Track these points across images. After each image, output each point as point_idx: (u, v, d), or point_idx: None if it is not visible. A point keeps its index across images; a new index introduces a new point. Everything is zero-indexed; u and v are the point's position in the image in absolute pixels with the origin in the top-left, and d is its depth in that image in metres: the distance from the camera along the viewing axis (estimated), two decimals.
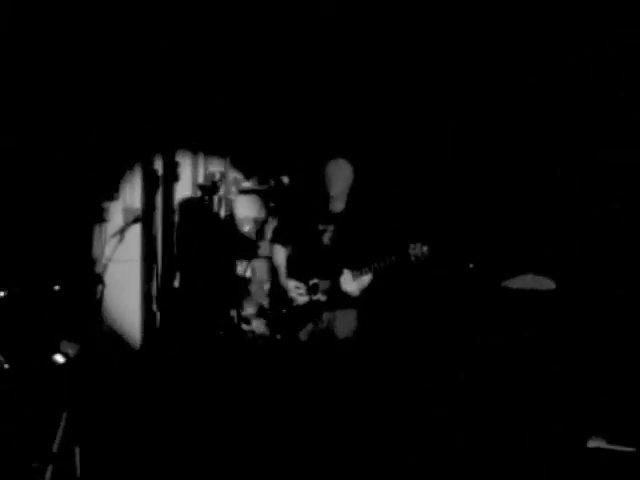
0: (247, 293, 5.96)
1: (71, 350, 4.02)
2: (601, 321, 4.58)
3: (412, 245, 4.13)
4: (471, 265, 4.89)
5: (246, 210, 6.07)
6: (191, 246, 6.02)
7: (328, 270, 4.38)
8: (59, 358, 3.97)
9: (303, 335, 4.51)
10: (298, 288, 4.47)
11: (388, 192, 5.35)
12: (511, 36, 5.21)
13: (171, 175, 5.94)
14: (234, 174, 6.27)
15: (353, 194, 4.49)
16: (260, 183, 6.08)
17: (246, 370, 5.26)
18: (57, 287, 4.70)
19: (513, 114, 5.30)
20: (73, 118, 5.48)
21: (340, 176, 4.40)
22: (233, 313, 5.85)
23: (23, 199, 5.26)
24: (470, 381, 4.75)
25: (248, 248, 6.06)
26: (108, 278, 5.69)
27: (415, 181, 5.53)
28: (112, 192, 5.81)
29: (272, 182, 5.99)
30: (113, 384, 5.48)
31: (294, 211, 4.76)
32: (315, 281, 4.43)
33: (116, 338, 5.98)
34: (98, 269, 5.69)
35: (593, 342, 4.56)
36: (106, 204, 5.82)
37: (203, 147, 6.32)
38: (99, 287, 5.53)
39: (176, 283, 6.10)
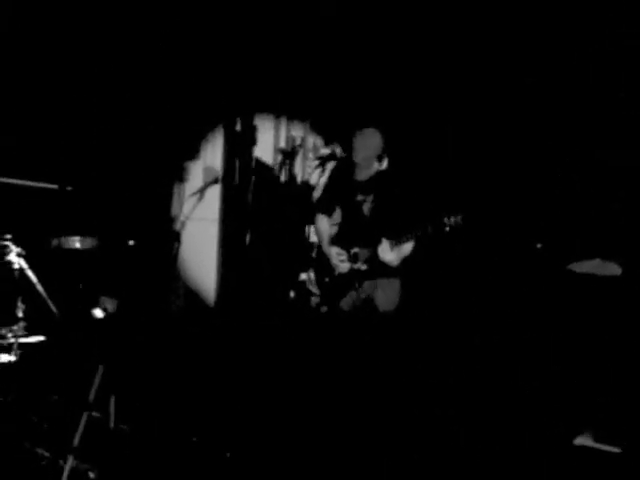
0: None
1: (110, 305, 4.12)
2: None
3: (447, 215, 4.11)
4: (539, 245, 4.78)
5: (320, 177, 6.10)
6: (265, 209, 6.08)
7: (368, 239, 4.36)
8: (98, 313, 4.07)
9: (345, 304, 4.51)
10: (340, 255, 4.47)
11: (426, 161, 5.30)
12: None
13: (249, 138, 5.98)
14: (314, 139, 6.29)
15: (389, 164, 4.47)
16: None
17: (300, 338, 5.30)
18: (131, 242, 4.83)
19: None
20: (159, 78, 5.61)
21: (365, 145, 4.36)
22: (304, 277, 5.92)
23: (107, 156, 5.44)
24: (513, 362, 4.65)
25: None
26: (186, 236, 5.93)
27: (467, 151, 5.46)
28: (193, 152, 5.93)
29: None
30: (187, 340, 5.67)
31: (334, 180, 4.75)
32: (356, 250, 4.43)
33: (192, 294, 6.14)
34: (176, 226, 5.85)
35: None
36: (187, 163, 5.97)
37: (286, 110, 6.34)
38: (175, 244, 5.70)
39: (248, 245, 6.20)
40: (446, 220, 4.09)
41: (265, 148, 6.40)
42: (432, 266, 5.02)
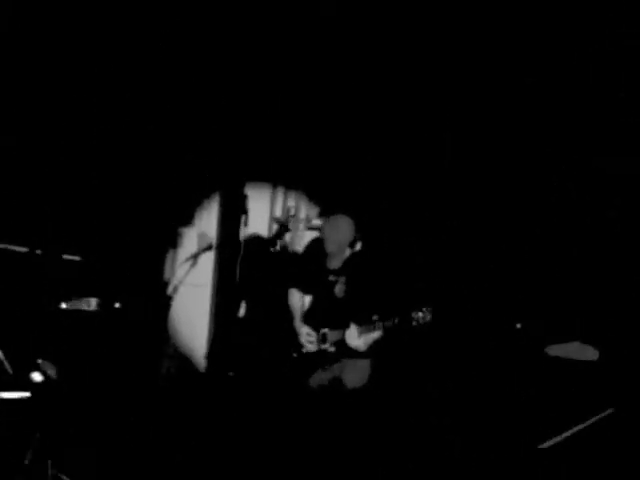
0: None
1: (50, 371, 4.15)
2: None
3: (415, 310, 4.12)
4: (519, 325, 4.80)
5: None
6: (256, 278, 6.16)
7: (338, 321, 4.38)
8: (36, 376, 4.10)
9: (313, 382, 4.53)
10: (309, 335, 4.49)
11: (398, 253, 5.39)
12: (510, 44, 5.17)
13: (240, 207, 6.09)
14: (308, 210, 6.37)
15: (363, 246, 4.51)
16: None
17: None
18: (117, 304, 4.91)
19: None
20: (155, 143, 5.74)
21: (336, 233, 4.39)
22: None
23: (101, 218, 5.55)
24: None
25: None
26: (179, 301, 6.00)
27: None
28: (187, 218, 6.05)
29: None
30: (178, 404, 5.68)
31: (309, 257, 4.78)
32: (325, 331, 4.45)
33: (182, 359, 6.17)
34: (168, 291, 5.93)
35: None
36: (181, 229, 6.08)
37: (282, 180, 6.47)
38: (166, 308, 5.78)
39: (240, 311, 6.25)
40: (414, 314, 4.10)
41: (262, 217, 6.53)
42: (403, 352, 5.05)
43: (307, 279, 4.65)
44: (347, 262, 4.43)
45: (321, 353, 4.47)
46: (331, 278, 4.48)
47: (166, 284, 5.93)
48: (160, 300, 5.81)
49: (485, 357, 5.13)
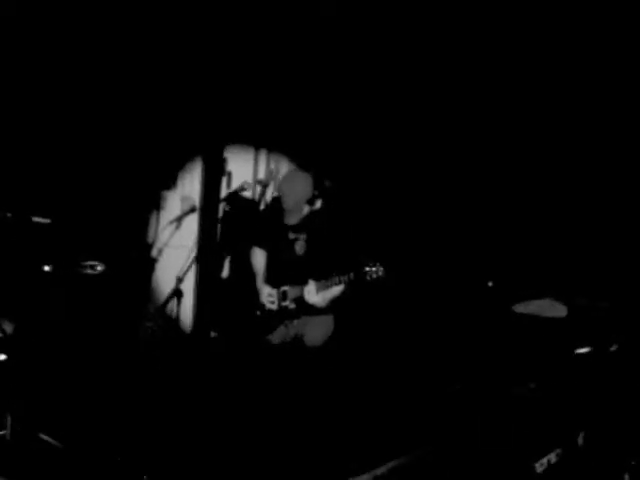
0: None
1: (8, 328, 4.21)
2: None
3: (368, 265, 4.17)
4: (490, 283, 4.86)
5: None
6: (239, 238, 6.21)
7: (298, 278, 4.46)
8: None
9: (274, 339, 4.62)
10: (270, 296, 4.56)
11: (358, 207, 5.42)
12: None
13: (220, 169, 6.11)
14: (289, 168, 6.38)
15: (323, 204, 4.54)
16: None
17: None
18: (100, 267, 4.95)
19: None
20: (138, 106, 5.76)
21: (294, 190, 4.42)
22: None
23: (84, 182, 5.59)
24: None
25: None
26: (163, 263, 6.06)
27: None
28: (171, 181, 6.09)
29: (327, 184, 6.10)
30: (163, 367, 5.77)
31: (268, 217, 4.81)
32: (285, 288, 4.51)
33: (168, 320, 6.25)
34: (152, 253, 5.99)
35: None
36: (164, 192, 6.12)
37: (265, 142, 6.49)
38: (149, 269, 5.84)
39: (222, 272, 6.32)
40: (367, 269, 4.16)
41: (246, 179, 6.55)
42: (363, 308, 5.11)
43: (268, 237, 4.69)
44: (306, 219, 4.48)
45: (282, 311, 4.55)
46: (291, 236, 4.54)
47: (150, 247, 6.00)
48: (144, 262, 5.87)
49: (455, 314, 5.21)
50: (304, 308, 4.47)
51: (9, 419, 4.09)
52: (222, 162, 5.92)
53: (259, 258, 4.76)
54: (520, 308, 4.44)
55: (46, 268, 4.78)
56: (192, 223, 6.03)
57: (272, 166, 6.46)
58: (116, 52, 5.50)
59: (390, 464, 4.14)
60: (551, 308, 4.38)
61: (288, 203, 4.43)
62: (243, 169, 6.48)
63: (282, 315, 4.54)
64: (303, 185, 4.45)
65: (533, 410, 4.13)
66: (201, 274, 6.23)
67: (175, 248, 5.92)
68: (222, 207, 5.93)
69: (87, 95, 5.60)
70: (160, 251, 5.92)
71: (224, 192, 6.25)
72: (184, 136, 5.98)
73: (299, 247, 4.52)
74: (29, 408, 4.37)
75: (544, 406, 4.12)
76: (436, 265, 5.37)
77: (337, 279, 4.28)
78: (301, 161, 6.26)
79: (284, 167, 6.38)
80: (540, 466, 3.82)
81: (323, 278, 4.33)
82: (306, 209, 4.48)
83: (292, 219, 4.49)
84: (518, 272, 4.98)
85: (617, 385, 4.09)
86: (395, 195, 5.71)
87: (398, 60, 5.61)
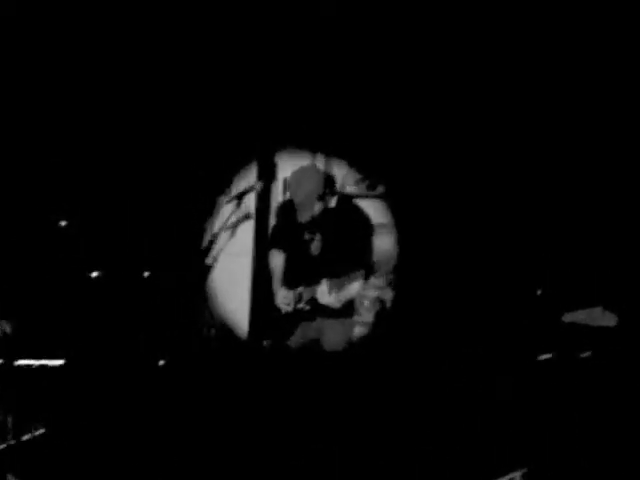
0: None
1: (7, 328, 4.17)
2: None
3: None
4: (539, 291, 4.66)
5: None
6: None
7: (313, 280, 4.30)
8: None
9: (292, 343, 4.48)
10: (285, 298, 4.41)
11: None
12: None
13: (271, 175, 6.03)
14: (343, 178, 6.25)
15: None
16: (368, 189, 6.05)
17: None
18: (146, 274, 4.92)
19: None
20: (193, 111, 5.73)
21: (303, 184, 4.26)
22: None
23: (138, 190, 5.58)
24: None
25: None
26: (219, 270, 6.00)
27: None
28: (226, 187, 6.02)
29: (380, 189, 5.95)
30: (218, 374, 5.72)
31: (282, 216, 4.65)
32: (300, 290, 4.36)
33: (223, 328, 6.20)
34: (208, 261, 5.94)
35: None
36: (219, 198, 6.06)
37: (321, 147, 6.37)
38: (205, 276, 5.79)
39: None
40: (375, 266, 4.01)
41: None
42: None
43: (284, 237, 4.55)
44: (320, 218, 4.32)
45: (297, 313, 4.40)
46: (307, 236, 4.39)
47: (205, 253, 5.95)
48: (198, 269, 5.83)
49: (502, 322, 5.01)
50: (318, 309, 4.32)
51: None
52: (274, 167, 5.84)
53: (276, 259, 4.62)
54: (569, 317, 4.24)
55: (94, 274, 4.76)
56: (247, 230, 6.01)
57: (330, 171, 6.35)
58: (170, 54, 5.49)
59: None
60: (601, 317, 4.16)
61: (298, 198, 4.30)
62: None
63: (297, 318, 4.40)
64: (312, 179, 4.31)
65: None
66: (255, 280, 6.18)
67: (230, 255, 5.87)
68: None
69: (142, 99, 5.61)
70: (215, 258, 5.86)
71: (280, 198, 6.24)
72: (239, 141, 5.93)
73: (314, 247, 4.38)
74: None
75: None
76: (483, 270, 5.18)
77: (350, 276, 4.13)
78: (360, 165, 6.18)
79: (343, 172, 6.27)
80: None
81: (336, 277, 4.19)
82: (318, 206, 4.34)
83: (303, 216, 4.34)
84: (567, 280, 4.77)
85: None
86: (445, 196, 5.55)
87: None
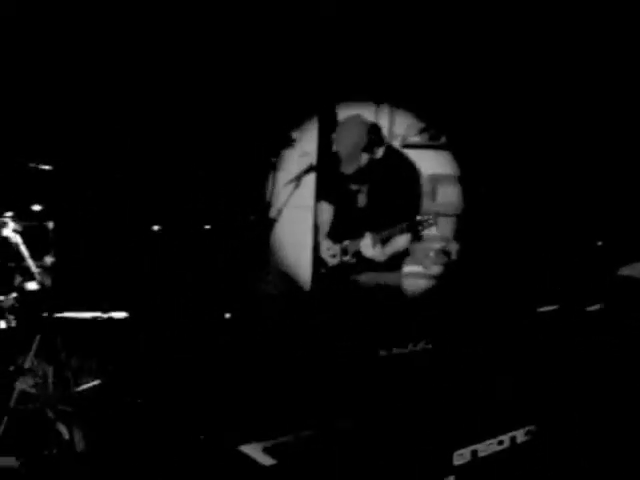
0: None
1: (47, 280, 4.19)
2: None
3: (419, 216, 3.85)
4: (599, 242, 4.49)
5: None
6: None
7: (358, 232, 4.17)
8: (31, 285, 4.17)
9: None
10: (330, 249, 4.30)
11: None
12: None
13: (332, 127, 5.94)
14: (406, 129, 6.13)
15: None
16: (431, 139, 5.92)
17: None
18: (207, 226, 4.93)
19: None
20: (254, 65, 5.68)
21: (346, 135, 4.10)
22: None
23: (202, 143, 5.59)
24: None
25: None
26: (282, 223, 6.01)
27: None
28: (288, 140, 5.98)
29: (443, 139, 5.82)
30: (282, 323, 5.76)
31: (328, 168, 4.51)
32: (346, 243, 4.25)
33: (287, 280, 6.23)
34: (272, 213, 5.94)
35: None
36: (282, 151, 6.03)
37: (388, 98, 6.25)
38: (269, 230, 5.81)
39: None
40: (419, 218, 3.85)
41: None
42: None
43: (331, 190, 4.42)
44: (366, 169, 4.20)
45: (343, 266, 4.31)
46: (353, 187, 4.28)
47: (269, 206, 5.96)
48: (263, 222, 5.85)
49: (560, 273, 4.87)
50: (363, 262, 4.23)
51: None
52: (336, 119, 5.76)
53: (324, 212, 4.51)
54: (626, 271, 4.07)
55: (155, 228, 4.81)
56: (310, 183, 5.97)
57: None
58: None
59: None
60: None
61: (343, 150, 4.18)
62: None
63: (343, 270, 4.32)
64: (357, 131, 4.19)
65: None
66: (317, 232, 6.17)
67: (295, 207, 5.86)
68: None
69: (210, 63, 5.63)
70: (280, 211, 5.86)
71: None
72: (300, 93, 5.86)
73: (361, 199, 4.29)
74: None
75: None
76: (548, 221, 5.05)
77: (396, 230, 4.01)
78: (424, 115, 6.05)
79: (406, 122, 6.14)
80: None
81: (381, 230, 4.07)
82: (364, 158, 4.23)
83: (349, 167, 4.23)
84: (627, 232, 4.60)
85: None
86: (509, 147, 5.41)
87: None
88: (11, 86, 5.09)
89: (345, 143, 4.23)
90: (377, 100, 6.25)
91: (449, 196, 5.71)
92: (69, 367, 4.08)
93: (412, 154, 5.72)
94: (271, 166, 5.90)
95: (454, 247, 5.74)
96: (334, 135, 4.34)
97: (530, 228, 5.16)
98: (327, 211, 4.53)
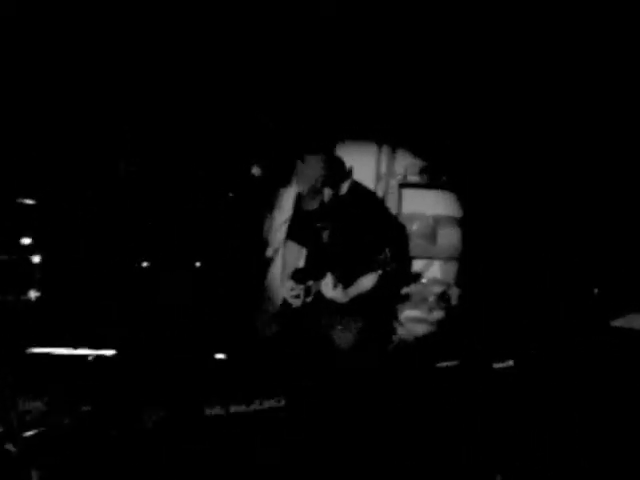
0: None
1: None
2: None
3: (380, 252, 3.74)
4: (596, 290, 4.35)
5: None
6: None
7: (320, 272, 4.05)
8: None
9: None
10: (293, 290, 4.18)
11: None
12: None
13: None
14: (405, 168, 6.01)
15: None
16: (431, 178, 5.79)
17: None
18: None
19: None
20: (252, 102, 5.63)
21: (305, 171, 4.02)
22: None
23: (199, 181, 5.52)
24: None
25: None
26: (278, 261, 5.87)
27: None
28: (285, 179, 5.90)
29: (444, 178, 5.71)
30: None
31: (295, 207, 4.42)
32: (310, 283, 4.12)
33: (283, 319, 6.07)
34: (268, 253, 5.82)
35: None
36: (280, 190, 5.93)
37: (389, 139, 6.17)
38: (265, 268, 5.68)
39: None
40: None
41: (367, 176, 6.26)
42: None
43: (299, 228, 4.32)
44: (328, 205, 4.09)
45: (306, 308, 4.17)
46: (318, 225, 4.17)
47: (265, 245, 5.84)
48: (259, 260, 5.73)
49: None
50: (323, 304, 4.09)
51: None
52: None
53: (291, 252, 4.39)
54: (621, 322, 3.92)
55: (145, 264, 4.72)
56: None
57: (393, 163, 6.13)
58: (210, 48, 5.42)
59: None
60: None
61: (301, 186, 4.10)
62: (364, 165, 6.22)
63: (305, 313, 4.18)
64: (313, 165, 4.10)
65: None
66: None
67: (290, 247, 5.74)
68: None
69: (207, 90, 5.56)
70: (276, 250, 5.74)
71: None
72: (300, 131, 5.79)
73: (326, 237, 4.16)
74: None
75: None
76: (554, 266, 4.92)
77: (361, 270, 3.89)
78: (426, 158, 5.95)
79: (406, 161, 6.03)
80: None
81: (343, 270, 3.95)
82: (327, 193, 4.12)
83: (310, 204, 4.13)
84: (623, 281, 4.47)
85: None
86: (512, 188, 5.30)
87: None
88: None
89: (303, 178, 4.13)
90: (378, 140, 6.20)
91: (450, 238, 5.58)
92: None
93: (411, 194, 5.65)
94: (268, 205, 5.82)
95: (455, 292, 5.59)
96: (296, 170, 4.24)
97: (535, 272, 5.03)
98: (294, 250, 4.40)
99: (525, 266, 4.63)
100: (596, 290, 4.54)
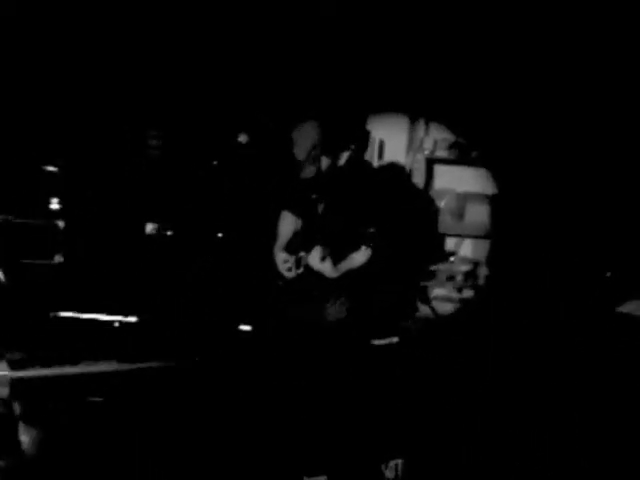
0: None
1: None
2: None
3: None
4: (609, 273, 4.22)
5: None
6: None
7: (310, 243, 3.97)
8: None
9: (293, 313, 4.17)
10: (286, 262, 4.09)
11: None
12: None
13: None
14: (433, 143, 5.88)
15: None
16: (461, 154, 5.66)
17: None
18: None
19: None
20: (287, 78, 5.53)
21: (302, 137, 3.92)
22: None
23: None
24: None
25: None
26: None
27: None
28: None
29: (474, 154, 5.57)
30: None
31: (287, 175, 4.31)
32: (301, 255, 4.03)
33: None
34: None
35: None
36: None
37: (423, 112, 6.04)
38: None
39: None
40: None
41: (398, 149, 6.16)
42: None
43: (295, 199, 4.20)
44: (325, 175, 4.01)
45: (299, 279, 4.09)
46: (314, 196, 4.06)
47: None
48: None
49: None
50: (312, 276, 4.01)
51: None
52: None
53: (287, 222, 4.27)
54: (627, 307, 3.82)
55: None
56: None
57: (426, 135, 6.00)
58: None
59: None
60: None
61: (298, 153, 4.01)
62: (396, 138, 6.12)
63: (300, 285, 4.10)
64: (310, 131, 4.01)
65: None
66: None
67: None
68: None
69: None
70: None
71: (375, 161, 5.94)
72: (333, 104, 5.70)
73: (320, 208, 4.07)
74: None
75: None
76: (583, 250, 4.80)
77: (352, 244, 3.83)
78: (460, 133, 5.82)
79: (437, 138, 5.91)
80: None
81: (333, 243, 3.88)
82: (325, 162, 4.03)
83: (307, 172, 4.04)
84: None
85: None
86: (543, 165, 5.15)
87: None
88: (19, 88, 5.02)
89: (300, 145, 4.05)
90: (411, 113, 6.08)
91: (479, 215, 5.46)
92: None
93: (440, 169, 5.54)
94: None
95: (483, 271, 5.48)
96: (294, 134, 4.14)
97: (563, 254, 4.92)
98: (289, 221, 4.30)
99: (553, 247, 4.51)
100: (609, 274, 4.40)
